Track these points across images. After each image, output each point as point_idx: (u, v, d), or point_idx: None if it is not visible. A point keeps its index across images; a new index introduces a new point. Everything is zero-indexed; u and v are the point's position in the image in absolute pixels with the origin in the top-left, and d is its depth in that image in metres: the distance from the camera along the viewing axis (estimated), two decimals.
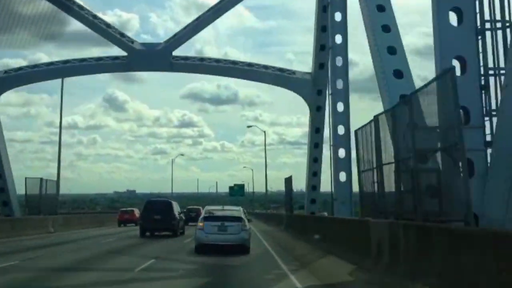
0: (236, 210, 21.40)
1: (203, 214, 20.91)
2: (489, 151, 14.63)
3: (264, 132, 44.38)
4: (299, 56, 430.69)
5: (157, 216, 28.92)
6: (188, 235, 27.42)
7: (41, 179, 38.53)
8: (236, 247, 19.18)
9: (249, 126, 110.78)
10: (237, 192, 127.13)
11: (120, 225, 49.03)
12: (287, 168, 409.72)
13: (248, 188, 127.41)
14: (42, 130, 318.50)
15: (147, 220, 29.28)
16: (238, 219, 19.94)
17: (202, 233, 19.57)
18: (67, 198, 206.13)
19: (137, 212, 48.83)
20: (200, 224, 19.87)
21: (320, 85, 39.67)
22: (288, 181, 36.59)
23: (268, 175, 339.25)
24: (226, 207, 22.03)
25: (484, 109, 15.44)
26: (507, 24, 16.00)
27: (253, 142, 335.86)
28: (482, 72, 15.67)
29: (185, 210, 44.62)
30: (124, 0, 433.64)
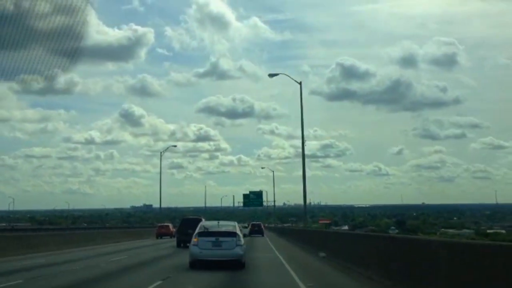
0: (231, 225, 21.22)
1: (197, 230, 20.61)
2: None
3: (300, 83, 41.04)
4: (314, 69, 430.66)
5: (190, 230, 33.55)
6: None
7: None
8: (231, 263, 19.25)
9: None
10: (253, 201, 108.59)
11: (158, 237, 57.46)
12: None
13: (266, 198, 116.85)
14: (59, 146, 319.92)
15: (182, 233, 35.16)
16: (232, 234, 19.85)
17: (196, 249, 19.56)
18: (82, 213, 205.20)
19: (171, 227, 60.61)
20: (195, 239, 19.80)
21: None
22: None
23: (285, 188, 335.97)
24: (221, 223, 21.80)
25: None
26: None
27: (270, 156, 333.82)
28: None
29: None
30: (139, 15, 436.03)
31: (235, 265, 19.28)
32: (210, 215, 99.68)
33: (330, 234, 29.33)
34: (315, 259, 24.30)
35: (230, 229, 20.41)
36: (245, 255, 20.09)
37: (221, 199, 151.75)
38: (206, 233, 19.91)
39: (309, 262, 23.98)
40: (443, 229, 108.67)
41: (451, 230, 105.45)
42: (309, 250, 30.57)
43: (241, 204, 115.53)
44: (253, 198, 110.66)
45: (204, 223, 22.05)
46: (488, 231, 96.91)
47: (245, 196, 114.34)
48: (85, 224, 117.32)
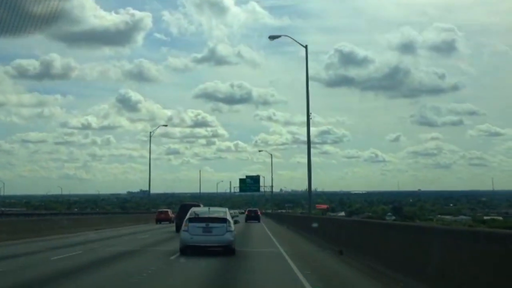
0: (222, 211, 21.25)
1: (188, 216, 20.54)
2: None
3: (306, 46, 38.90)
4: (313, 55, 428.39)
5: None
6: None
7: None
8: (221, 249, 19.36)
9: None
10: (250, 186, 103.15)
11: (157, 223, 58.70)
12: (301, 168, 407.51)
13: (264, 184, 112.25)
14: (56, 131, 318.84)
15: (181, 219, 36.53)
16: (223, 220, 19.82)
17: (186, 235, 19.53)
18: (78, 198, 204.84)
19: (170, 213, 62.40)
20: (185, 225, 19.79)
21: None
22: None
23: (282, 174, 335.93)
24: (212, 209, 21.81)
25: None
26: None
27: (267, 142, 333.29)
28: None
29: None
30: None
31: (225, 251, 19.33)
32: (207, 201, 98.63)
33: (346, 223, 23.71)
34: (334, 260, 18.18)
35: (220, 215, 20.39)
36: (235, 241, 20.10)
37: (217, 184, 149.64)
38: (196, 219, 19.93)
39: (327, 265, 16.98)
40: (439, 216, 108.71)
41: (447, 217, 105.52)
42: (320, 244, 24.12)
43: (238, 190, 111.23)
44: (250, 183, 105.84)
45: (195, 209, 21.92)
46: (485, 217, 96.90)
47: (241, 180, 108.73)
48: (76, 209, 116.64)
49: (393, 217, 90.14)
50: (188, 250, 19.28)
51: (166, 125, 58.42)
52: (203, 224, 19.55)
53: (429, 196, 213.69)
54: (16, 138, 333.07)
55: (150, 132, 66.17)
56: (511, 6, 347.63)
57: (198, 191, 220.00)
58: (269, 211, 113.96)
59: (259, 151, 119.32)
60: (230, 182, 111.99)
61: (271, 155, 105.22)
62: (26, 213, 67.51)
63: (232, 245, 19.66)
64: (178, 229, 36.95)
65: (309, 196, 41.06)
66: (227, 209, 22.38)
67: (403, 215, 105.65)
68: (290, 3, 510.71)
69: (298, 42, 39.01)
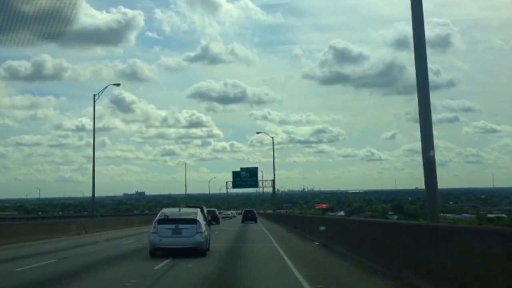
0: (192, 212, 20.64)
1: (157, 217, 19.98)
2: None
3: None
4: (307, 53, 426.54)
5: None
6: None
7: None
8: (192, 251, 18.80)
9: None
10: (245, 181, 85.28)
11: None
12: (298, 167, 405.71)
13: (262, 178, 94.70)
14: (50, 134, 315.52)
15: None
16: (192, 221, 19.36)
17: (155, 237, 19.10)
18: (74, 201, 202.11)
19: None
20: (154, 227, 19.31)
21: None
22: None
23: (278, 174, 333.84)
24: (183, 209, 21.26)
25: None
26: None
27: (262, 142, 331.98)
28: None
29: None
30: None
31: (196, 253, 18.83)
32: (202, 203, 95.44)
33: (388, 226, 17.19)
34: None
35: (190, 216, 19.89)
36: (206, 243, 19.74)
37: (209, 182, 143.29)
38: (165, 220, 19.51)
39: None
40: (441, 214, 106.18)
41: (449, 215, 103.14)
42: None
43: (231, 186, 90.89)
44: (246, 177, 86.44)
45: (165, 210, 21.34)
46: (489, 215, 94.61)
47: (235, 174, 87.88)
48: (60, 213, 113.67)
49: (395, 216, 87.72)
50: (158, 253, 18.96)
51: (118, 84, 45.07)
52: (172, 226, 19.13)
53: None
54: (10, 141, 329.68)
55: (94, 95, 48.89)
56: (504, 1, 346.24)
57: (195, 191, 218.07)
58: (269, 211, 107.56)
59: (257, 132, 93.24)
60: (226, 182, 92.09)
61: (272, 138, 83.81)
62: (5, 217, 64.78)
63: (203, 246, 19.28)
64: None
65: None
66: (199, 210, 21.80)
67: (405, 213, 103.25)
68: (283, 1, 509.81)
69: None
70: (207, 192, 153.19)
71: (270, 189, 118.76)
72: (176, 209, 21.34)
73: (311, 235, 29.49)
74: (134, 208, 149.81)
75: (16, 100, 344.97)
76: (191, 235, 19.01)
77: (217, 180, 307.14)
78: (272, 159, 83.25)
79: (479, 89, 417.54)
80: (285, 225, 49.72)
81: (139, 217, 71.25)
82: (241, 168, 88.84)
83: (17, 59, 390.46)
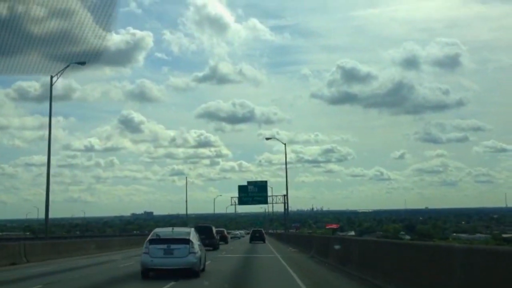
0: (185, 232, 20.09)
1: (149, 237, 19.58)
2: None
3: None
4: (315, 73, 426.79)
5: (202, 236, 37.31)
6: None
7: None
8: (184, 272, 18.29)
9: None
10: (253, 196, 75.53)
11: None
12: (306, 187, 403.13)
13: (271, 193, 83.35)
14: (59, 154, 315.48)
15: None
16: (185, 241, 18.87)
17: (147, 257, 18.60)
18: (81, 221, 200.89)
19: None
20: (145, 247, 18.88)
21: None
22: None
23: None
24: (175, 229, 20.67)
25: None
26: None
27: (271, 161, 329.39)
28: None
29: None
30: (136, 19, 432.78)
31: (188, 274, 18.31)
32: (211, 223, 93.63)
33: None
34: None
35: (183, 236, 19.36)
36: (199, 263, 19.13)
37: (214, 200, 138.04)
38: (157, 240, 19.03)
39: None
40: (454, 234, 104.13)
41: (463, 235, 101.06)
42: None
43: (237, 202, 79.23)
44: (253, 192, 75.66)
45: (157, 230, 20.94)
46: (504, 235, 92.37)
47: (241, 189, 76.59)
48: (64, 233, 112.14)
49: (408, 237, 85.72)
50: (150, 273, 18.52)
51: (83, 63, 34.20)
52: (164, 246, 18.64)
53: (437, 213, 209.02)
54: (19, 162, 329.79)
55: (51, 76, 38.27)
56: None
57: (203, 211, 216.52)
58: (280, 231, 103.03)
59: (267, 139, 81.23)
60: (231, 198, 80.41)
61: (285, 145, 70.69)
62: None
63: (195, 267, 18.72)
64: None
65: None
66: (192, 229, 21.33)
67: (418, 233, 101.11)
68: (291, 22, 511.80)
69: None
70: (212, 212, 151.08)
71: (279, 209, 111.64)
72: (169, 229, 20.77)
73: (351, 267, 19.95)
74: (142, 228, 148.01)
75: (26, 121, 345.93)
76: (184, 255, 18.53)
77: (223, 198, 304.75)
78: (278, 179, 79.07)
79: (489, 108, 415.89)
80: (303, 248, 37.47)
81: (129, 238, 63.89)
82: (248, 182, 78.48)
83: (27, 80, 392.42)
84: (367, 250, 19.14)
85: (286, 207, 76.19)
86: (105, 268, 24.21)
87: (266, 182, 79.67)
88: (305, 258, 30.24)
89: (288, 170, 65.88)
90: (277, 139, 70.48)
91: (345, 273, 19.45)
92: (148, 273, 18.68)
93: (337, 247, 24.04)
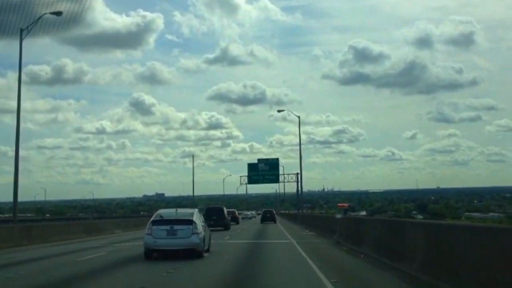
0: (188, 213, 20.06)
1: (152, 218, 19.60)
2: None
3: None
4: (327, 54, 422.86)
5: (214, 217, 39.52)
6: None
7: None
8: (187, 252, 18.26)
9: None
10: (264, 174, 70.37)
11: None
12: (317, 168, 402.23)
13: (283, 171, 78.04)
14: (71, 136, 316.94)
15: (207, 220, 33.77)
16: (188, 222, 18.80)
17: (150, 238, 18.57)
18: (94, 202, 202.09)
19: None
20: (148, 228, 18.86)
21: None
22: None
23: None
24: (179, 210, 20.58)
25: None
26: None
27: (282, 142, 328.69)
28: None
29: None
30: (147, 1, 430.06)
31: (192, 254, 18.25)
32: (222, 204, 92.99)
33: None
34: None
35: (186, 216, 19.30)
36: (203, 244, 19.02)
37: (224, 180, 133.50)
38: (160, 221, 18.97)
39: None
40: (467, 213, 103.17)
41: (476, 214, 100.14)
42: None
43: (246, 181, 75.22)
44: (264, 171, 70.44)
45: (161, 211, 20.83)
46: None
47: (251, 167, 71.61)
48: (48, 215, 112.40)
49: (420, 216, 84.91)
50: (153, 254, 18.50)
51: (60, 13, 29.69)
52: (167, 227, 18.57)
53: (449, 193, 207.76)
54: (32, 145, 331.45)
55: (21, 29, 32.63)
56: None
57: (214, 193, 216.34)
58: (292, 211, 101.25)
59: (278, 111, 70.13)
60: (240, 177, 78.07)
61: (299, 117, 63.76)
62: None
63: (199, 248, 18.69)
64: None
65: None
66: (196, 210, 21.40)
67: (430, 213, 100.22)
68: (303, 2, 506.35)
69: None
70: (228, 193, 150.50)
71: (290, 189, 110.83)
72: (173, 210, 20.66)
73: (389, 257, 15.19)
74: (152, 209, 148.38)
75: (37, 104, 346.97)
76: (187, 236, 18.48)
77: (233, 179, 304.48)
78: (290, 160, 77.18)
79: (502, 87, 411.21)
80: (322, 232, 33.31)
81: (126, 220, 62.45)
82: (259, 160, 73.65)
83: (38, 63, 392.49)
84: (442, 239, 11.38)
85: (299, 186, 69.69)
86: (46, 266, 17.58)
87: (277, 159, 74.18)
88: (328, 245, 24.69)
89: (298, 151, 63.22)
90: (290, 111, 65.41)
91: (399, 273, 12.97)
92: (151, 254, 18.58)
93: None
